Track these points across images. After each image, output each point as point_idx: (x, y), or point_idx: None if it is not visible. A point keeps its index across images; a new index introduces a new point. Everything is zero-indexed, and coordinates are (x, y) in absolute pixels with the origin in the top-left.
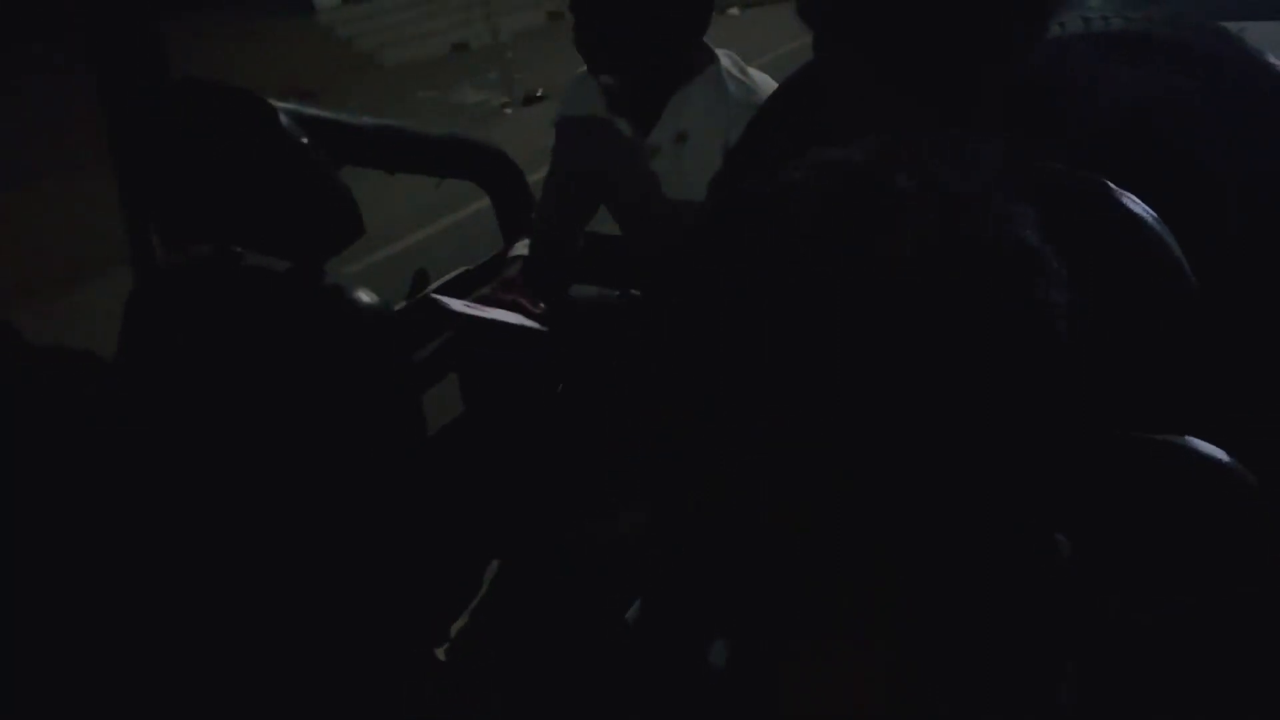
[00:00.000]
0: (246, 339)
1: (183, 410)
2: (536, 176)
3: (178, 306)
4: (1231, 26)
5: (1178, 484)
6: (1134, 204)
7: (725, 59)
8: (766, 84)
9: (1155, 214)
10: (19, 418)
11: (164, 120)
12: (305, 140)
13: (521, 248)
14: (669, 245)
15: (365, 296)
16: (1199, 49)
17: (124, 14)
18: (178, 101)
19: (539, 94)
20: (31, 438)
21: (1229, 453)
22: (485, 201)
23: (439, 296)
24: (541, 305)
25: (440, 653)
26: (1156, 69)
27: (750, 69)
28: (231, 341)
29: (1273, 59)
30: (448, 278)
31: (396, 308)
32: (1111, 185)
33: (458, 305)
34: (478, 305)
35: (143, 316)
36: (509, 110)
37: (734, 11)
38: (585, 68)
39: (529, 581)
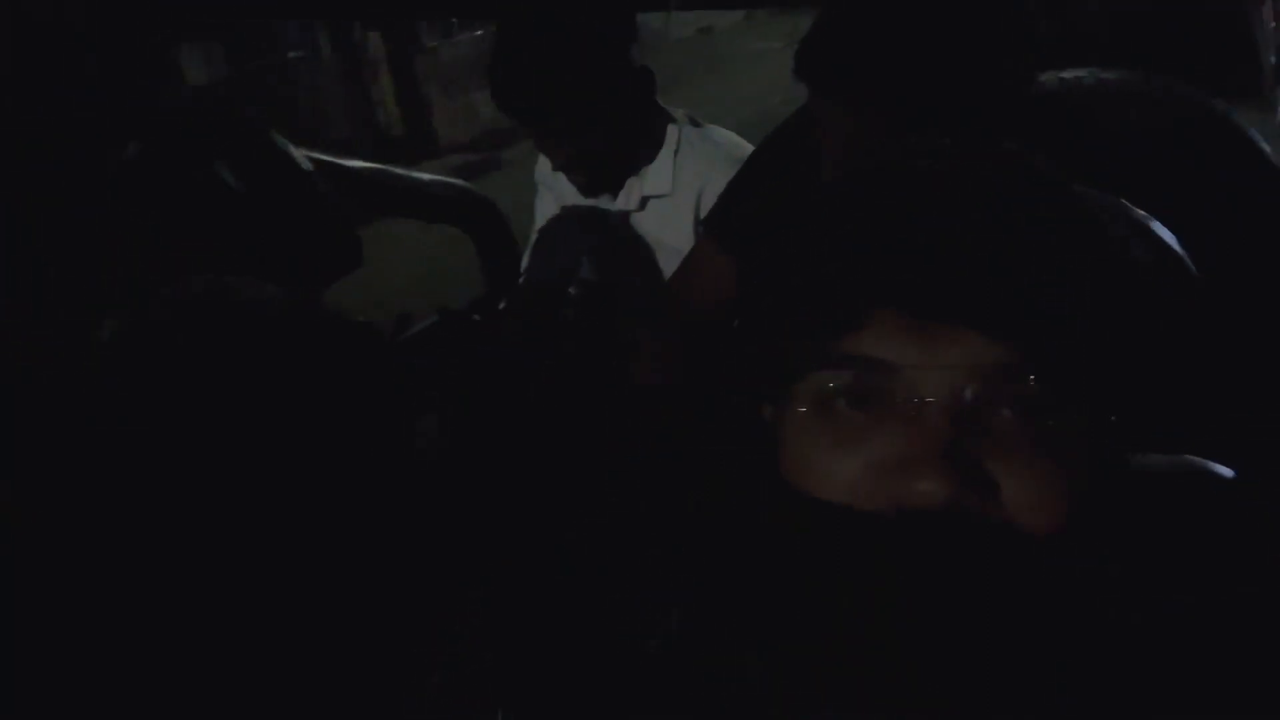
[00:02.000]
0: (241, 365)
1: (177, 434)
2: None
3: (171, 333)
4: None
5: (1178, 503)
6: (1149, 220)
7: (685, 122)
8: (727, 138)
9: (1168, 229)
10: (19, 418)
11: (161, 146)
12: (307, 167)
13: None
14: (646, 293)
15: (363, 325)
16: (1166, 100)
17: (132, 36)
18: (177, 129)
19: None
20: (32, 438)
21: (1229, 459)
22: None
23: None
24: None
25: (438, 657)
26: (1137, 114)
27: (709, 126)
28: (226, 367)
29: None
30: (430, 320)
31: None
32: (1127, 203)
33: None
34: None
35: (134, 344)
36: None
37: None
38: None
39: (529, 582)
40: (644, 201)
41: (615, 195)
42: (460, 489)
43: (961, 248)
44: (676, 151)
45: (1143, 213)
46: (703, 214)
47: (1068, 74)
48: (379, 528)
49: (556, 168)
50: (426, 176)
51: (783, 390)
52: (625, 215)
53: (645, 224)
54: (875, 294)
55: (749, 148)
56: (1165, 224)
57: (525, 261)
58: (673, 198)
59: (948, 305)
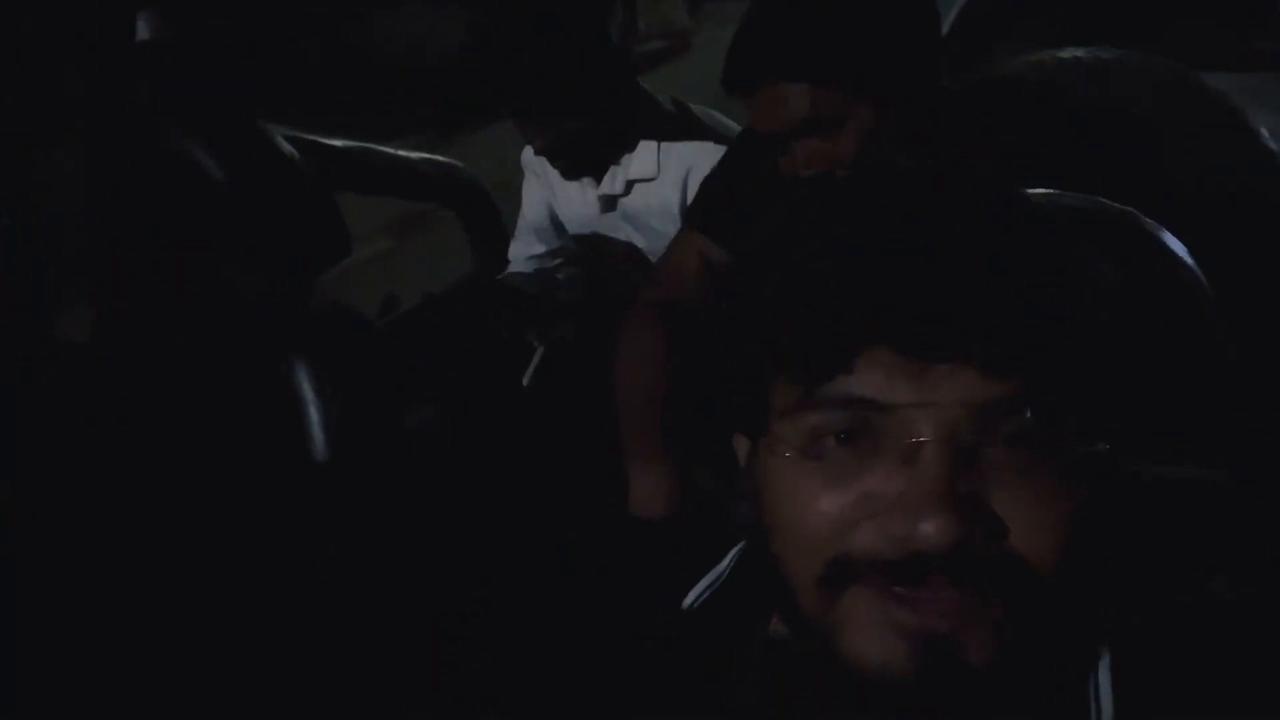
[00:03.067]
0: (231, 356)
1: (167, 421)
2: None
3: (159, 323)
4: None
5: (1178, 506)
6: (1159, 230)
7: (670, 105)
8: (712, 120)
9: (1179, 240)
10: (19, 417)
11: (155, 134)
12: (296, 156)
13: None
14: (628, 278)
15: (353, 313)
16: (1163, 79)
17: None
18: (167, 116)
19: None
20: (31, 437)
21: (1231, 461)
22: None
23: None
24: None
25: (440, 657)
26: (1133, 94)
27: (695, 108)
28: (216, 358)
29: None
30: (416, 303)
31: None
32: (1137, 212)
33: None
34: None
35: (121, 333)
36: None
37: None
38: None
39: (529, 582)
40: (629, 186)
41: (600, 180)
42: (459, 487)
43: (950, 284)
44: (661, 135)
45: (1153, 223)
46: (689, 196)
47: (1064, 53)
48: (376, 522)
49: (538, 152)
50: (415, 155)
51: (764, 430)
52: (612, 199)
53: (632, 208)
54: (866, 334)
55: (736, 128)
56: (1162, 213)
57: (513, 246)
58: (658, 181)
59: (941, 342)
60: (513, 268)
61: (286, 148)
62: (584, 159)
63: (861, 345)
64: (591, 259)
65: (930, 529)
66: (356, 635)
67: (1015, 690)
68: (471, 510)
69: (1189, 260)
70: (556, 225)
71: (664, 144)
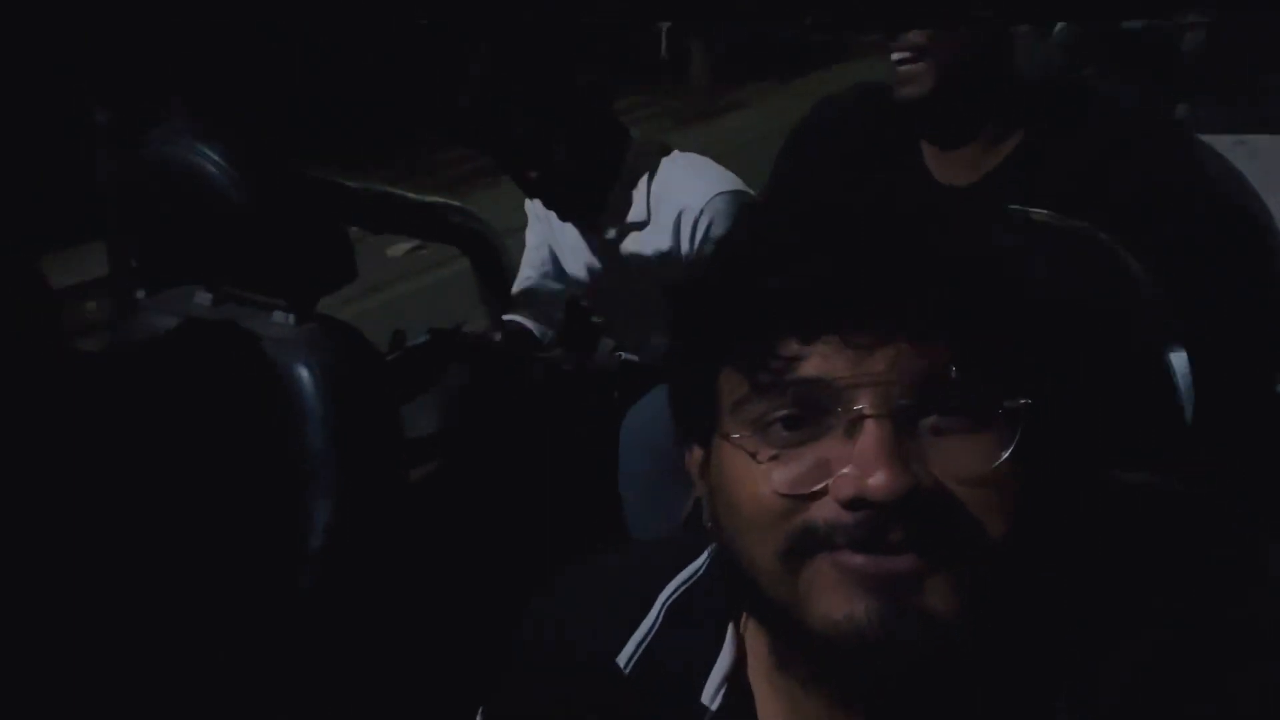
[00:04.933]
0: (236, 379)
1: (170, 432)
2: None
3: (164, 345)
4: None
5: (1154, 520)
6: (1113, 244)
7: (660, 152)
8: (704, 165)
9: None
10: (18, 418)
11: (158, 160)
12: (300, 179)
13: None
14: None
15: (358, 339)
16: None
17: (132, 50)
18: (173, 142)
19: None
20: (30, 439)
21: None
22: None
23: None
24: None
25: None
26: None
27: (686, 154)
28: (220, 381)
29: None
30: (424, 338)
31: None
32: (1092, 227)
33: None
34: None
35: (127, 355)
36: None
37: None
38: None
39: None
40: (625, 230)
41: (595, 224)
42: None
43: (876, 269)
44: (651, 180)
45: (1109, 238)
46: (682, 238)
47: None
48: (376, 538)
49: (526, 194)
50: (428, 199)
51: (716, 429)
52: (608, 244)
53: (627, 253)
54: (804, 317)
55: (727, 174)
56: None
57: (515, 288)
58: (650, 227)
59: (873, 319)
60: (514, 309)
61: (293, 169)
62: (568, 198)
63: (800, 329)
64: (593, 299)
65: (877, 481)
66: (353, 640)
67: (982, 658)
68: (470, 535)
69: (1142, 274)
70: (558, 269)
71: (655, 190)
